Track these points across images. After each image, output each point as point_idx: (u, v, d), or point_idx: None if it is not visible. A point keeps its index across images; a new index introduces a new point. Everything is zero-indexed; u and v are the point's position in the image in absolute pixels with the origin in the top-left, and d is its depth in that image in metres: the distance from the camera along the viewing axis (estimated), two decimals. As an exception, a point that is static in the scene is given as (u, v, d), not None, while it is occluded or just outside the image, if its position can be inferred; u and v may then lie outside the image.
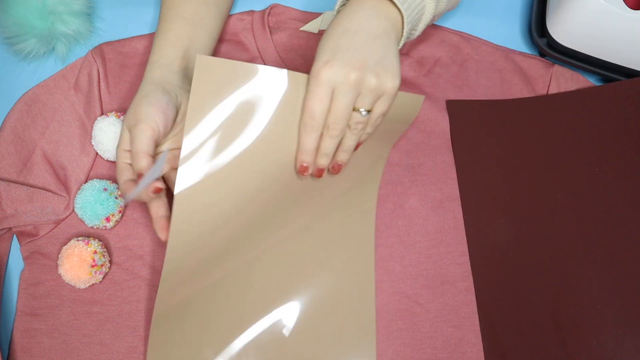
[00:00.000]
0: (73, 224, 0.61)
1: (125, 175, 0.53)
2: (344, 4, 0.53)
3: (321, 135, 0.51)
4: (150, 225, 0.62)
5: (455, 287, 0.61)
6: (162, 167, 0.52)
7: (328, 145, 0.51)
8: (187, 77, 0.58)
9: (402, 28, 0.51)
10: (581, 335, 0.58)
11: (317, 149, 0.52)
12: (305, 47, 0.70)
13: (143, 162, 0.50)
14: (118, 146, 0.54)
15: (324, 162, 0.53)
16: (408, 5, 0.50)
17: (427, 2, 0.53)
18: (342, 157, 0.53)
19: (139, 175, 0.50)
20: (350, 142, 0.52)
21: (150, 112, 0.52)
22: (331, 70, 0.47)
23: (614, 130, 0.66)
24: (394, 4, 0.50)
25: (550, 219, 0.63)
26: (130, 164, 0.53)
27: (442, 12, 0.58)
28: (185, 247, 0.52)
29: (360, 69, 0.47)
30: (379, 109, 0.50)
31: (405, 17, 0.50)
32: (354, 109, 0.50)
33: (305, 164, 0.52)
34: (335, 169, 0.54)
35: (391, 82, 0.49)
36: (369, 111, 0.50)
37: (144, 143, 0.51)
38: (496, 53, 0.70)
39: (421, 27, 0.55)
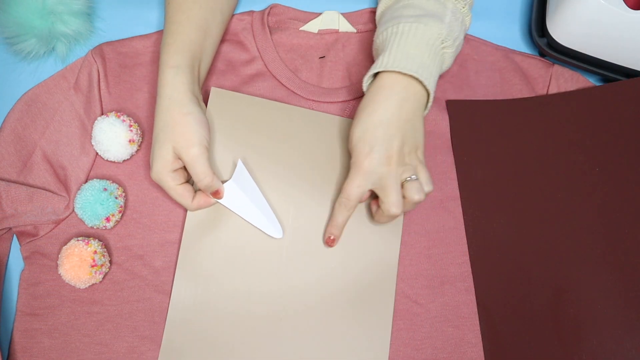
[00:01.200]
0: (73, 224, 0.62)
1: (188, 197, 0.56)
2: (371, 82, 0.58)
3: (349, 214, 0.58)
4: (151, 226, 0.62)
5: (455, 287, 0.61)
6: (246, 174, 0.59)
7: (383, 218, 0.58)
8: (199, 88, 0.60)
9: (427, 100, 0.58)
10: (581, 335, 0.58)
11: (344, 225, 0.59)
12: (306, 47, 0.70)
13: (217, 183, 0.57)
14: (162, 169, 0.55)
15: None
16: (432, 80, 0.56)
17: (447, 56, 0.59)
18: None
19: (216, 193, 0.57)
20: (407, 208, 0.57)
21: (201, 133, 0.55)
22: (372, 163, 0.55)
23: (614, 130, 0.66)
24: (421, 82, 0.56)
25: (550, 219, 0.63)
26: (182, 184, 0.56)
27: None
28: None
29: (394, 155, 0.55)
30: (423, 177, 0.57)
31: (430, 92, 0.56)
32: (404, 181, 0.56)
33: (332, 237, 0.59)
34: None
35: (417, 153, 0.57)
36: (412, 177, 0.56)
37: (206, 165, 0.55)
38: (496, 53, 0.70)
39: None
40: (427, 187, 0.57)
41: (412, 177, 0.56)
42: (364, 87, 0.58)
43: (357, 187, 0.56)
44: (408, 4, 0.61)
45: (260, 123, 0.62)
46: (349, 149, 0.57)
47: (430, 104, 0.58)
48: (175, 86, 0.55)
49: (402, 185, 0.56)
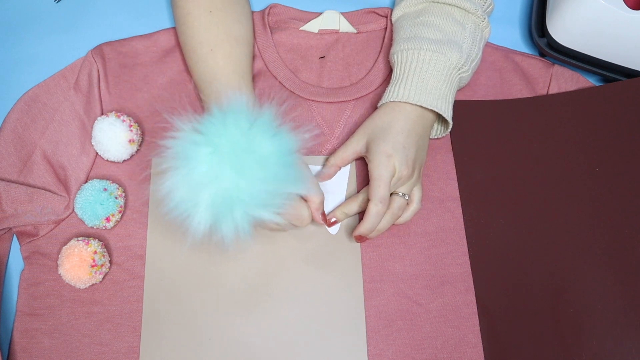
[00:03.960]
0: (73, 224, 0.61)
1: (304, 205, 0.57)
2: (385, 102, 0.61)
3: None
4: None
5: (455, 287, 0.61)
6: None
7: (352, 208, 0.61)
8: None
9: (440, 123, 0.64)
10: (581, 335, 0.58)
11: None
12: (306, 47, 0.70)
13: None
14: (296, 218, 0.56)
15: (341, 216, 0.61)
16: (450, 107, 0.61)
17: (463, 79, 0.63)
18: (374, 234, 0.60)
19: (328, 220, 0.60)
20: (387, 224, 0.59)
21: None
22: (392, 163, 0.57)
23: (614, 130, 0.66)
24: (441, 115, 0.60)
25: (550, 219, 0.63)
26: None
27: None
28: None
29: (410, 166, 0.58)
30: (417, 195, 0.60)
31: (449, 120, 0.60)
32: (394, 193, 0.59)
33: (366, 237, 0.59)
34: (359, 239, 0.60)
35: (420, 172, 0.60)
36: (405, 195, 0.59)
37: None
38: (496, 53, 0.70)
39: None
40: (418, 205, 0.61)
41: (404, 194, 0.59)
42: (379, 104, 0.62)
43: (386, 189, 0.57)
44: (427, 21, 0.62)
45: None
46: (367, 141, 0.60)
47: (450, 128, 0.62)
48: None
49: (391, 195, 0.59)
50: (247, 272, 0.61)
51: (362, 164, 0.65)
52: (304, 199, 0.57)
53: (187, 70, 0.66)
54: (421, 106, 0.59)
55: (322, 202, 0.58)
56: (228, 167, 0.50)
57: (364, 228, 0.57)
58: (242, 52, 0.62)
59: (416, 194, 0.60)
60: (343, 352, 0.58)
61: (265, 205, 0.51)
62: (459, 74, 0.61)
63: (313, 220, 0.58)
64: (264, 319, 0.59)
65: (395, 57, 0.63)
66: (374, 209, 0.56)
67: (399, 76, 0.62)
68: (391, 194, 0.59)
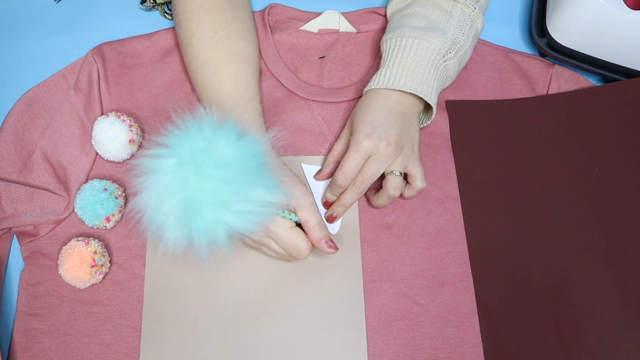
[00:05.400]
0: (73, 224, 0.61)
1: (303, 236, 0.55)
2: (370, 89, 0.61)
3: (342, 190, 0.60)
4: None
5: (455, 287, 0.61)
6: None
7: (348, 198, 0.60)
8: None
9: (428, 111, 0.63)
10: (581, 335, 0.58)
11: (338, 199, 0.61)
12: (306, 46, 0.70)
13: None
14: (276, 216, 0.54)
15: (340, 211, 0.61)
16: (433, 93, 0.59)
17: (450, 67, 0.61)
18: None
19: (332, 243, 0.56)
20: (384, 202, 0.60)
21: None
22: (371, 142, 0.57)
23: (614, 130, 0.66)
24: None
25: (550, 219, 0.63)
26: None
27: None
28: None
29: (393, 142, 0.57)
30: (417, 172, 0.60)
31: (433, 105, 0.59)
32: (387, 172, 0.59)
33: (335, 214, 0.61)
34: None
35: (414, 149, 0.60)
36: (401, 173, 0.59)
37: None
38: (496, 53, 0.70)
39: (448, 86, 0.65)
40: (421, 184, 0.60)
41: (397, 172, 0.58)
42: (365, 90, 0.61)
43: (355, 165, 0.58)
44: (414, 11, 0.63)
45: None
46: (351, 129, 0.60)
47: (434, 115, 0.61)
48: (274, 154, 0.58)
49: (384, 175, 0.59)
50: (247, 272, 0.61)
51: None
52: (301, 227, 0.56)
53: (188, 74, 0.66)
54: (400, 90, 0.58)
55: (320, 223, 0.55)
56: (191, 173, 0.49)
57: (337, 207, 0.60)
58: (249, 72, 0.61)
59: (415, 172, 0.59)
60: (343, 352, 0.58)
61: (236, 210, 0.49)
62: (445, 61, 0.60)
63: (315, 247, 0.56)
64: (264, 318, 0.59)
65: (382, 47, 0.63)
66: (348, 193, 0.59)
67: (382, 64, 0.62)
68: (383, 173, 0.59)
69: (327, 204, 0.62)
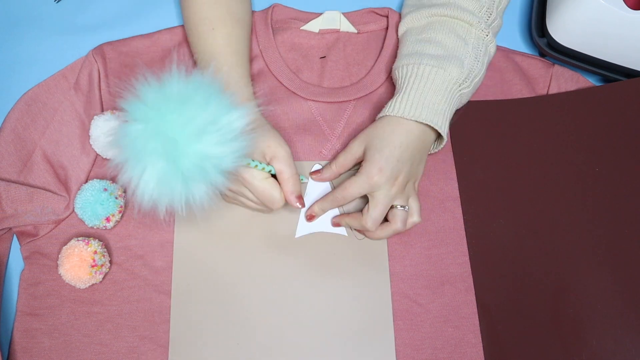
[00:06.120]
0: (73, 224, 0.61)
1: (277, 186, 0.56)
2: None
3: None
4: (151, 225, 0.62)
5: (455, 287, 0.61)
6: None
7: (354, 225, 0.61)
8: None
9: (439, 138, 0.62)
10: (581, 335, 0.58)
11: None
12: (307, 46, 0.70)
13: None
14: (256, 187, 0.55)
15: (320, 212, 0.62)
16: (446, 123, 0.59)
17: (464, 96, 0.62)
18: (370, 234, 0.61)
19: (300, 198, 0.57)
20: (385, 234, 0.60)
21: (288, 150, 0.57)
22: (382, 179, 0.57)
23: (614, 130, 0.66)
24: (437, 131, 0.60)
25: (550, 219, 0.63)
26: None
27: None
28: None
29: (400, 180, 0.58)
30: (414, 207, 0.60)
31: (444, 136, 0.59)
32: (393, 206, 0.59)
33: (314, 214, 0.61)
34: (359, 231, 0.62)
35: (415, 184, 0.61)
36: (402, 206, 0.59)
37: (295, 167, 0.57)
38: (496, 53, 0.70)
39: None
40: (416, 218, 0.60)
41: (402, 206, 0.59)
42: (378, 117, 0.61)
43: (358, 193, 0.58)
44: (430, 38, 0.62)
45: None
46: (365, 147, 0.59)
47: (444, 144, 0.62)
48: (256, 112, 0.58)
49: (391, 209, 0.59)
50: (275, 273, 0.61)
51: None
52: (277, 178, 0.57)
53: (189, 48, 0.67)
54: (416, 121, 0.58)
55: (294, 176, 0.56)
56: (159, 121, 0.48)
57: (314, 207, 0.61)
58: (241, 34, 0.63)
59: (413, 207, 0.60)
60: (371, 354, 0.59)
61: (215, 141, 0.49)
62: (460, 90, 0.60)
63: (287, 202, 0.57)
64: (293, 320, 0.59)
65: (397, 72, 0.63)
66: (331, 195, 0.60)
67: (399, 90, 0.61)
68: (391, 207, 0.59)
69: (311, 217, 0.62)
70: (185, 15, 0.64)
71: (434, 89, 0.59)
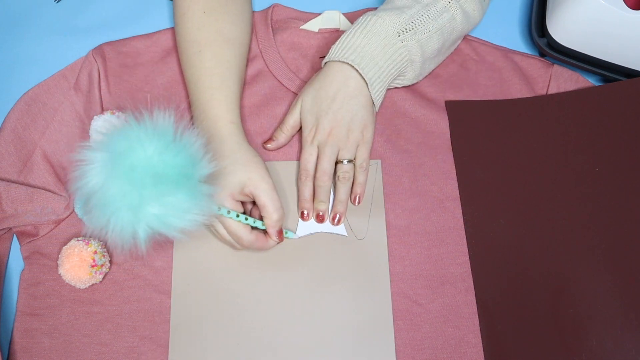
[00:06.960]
0: (73, 224, 0.61)
1: (246, 228, 0.57)
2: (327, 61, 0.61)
3: (314, 186, 0.61)
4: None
5: (455, 287, 0.61)
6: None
7: (320, 192, 0.61)
8: None
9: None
10: (581, 335, 0.58)
11: (314, 197, 0.62)
12: (307, 46, 0.70)
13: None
14: (227, 196, 0.55)
15: (321, 207, 0.61)
16: (376, 69, 0.59)
17: (411, 47, 0.60)
18: (338, 207, 0.62)
19: (280, 233, 0.58)
20: (342, 192, 0.61)
21: (269, 174, 0.57)
22: (316, 135, 0.59)
23: (614, 130, 0.66)
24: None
25: (549, 219, 0.63)
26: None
27: (441, 54, 0.64)
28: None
29: (336, 127, 0.59)
30: (359, 155, 0.61)
31: (366, 79, 0.59)
32: (338, 161, 0.60)
33: (305, 211, 0.62)
34: (334, 219, 0.62)
35: (363, 133, 0.60)
36: (350, 160, 0.60)
37: (279, 199, 0.57)
38: (495, 53, 0.70)
39: (413, 75, 0.63)
40: (360, 168, 0.61)
41: (345, 161, 0.60)
42: (322, 63, 0.62)
43: (311, 158, 0.60)
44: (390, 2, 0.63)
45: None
46: (300, 120, 0.62)
47: (382, 95, 0.61)
48: (239, 137, 0.58)
49: (336, 164, 0.61)
50: (275, 273, 0.61)
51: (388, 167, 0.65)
52: (263, 213, 0.57)
53: None
54: (339, 61, 0.59)
55: (277, 210, 0.56)
56: (112, 173, 0.48)
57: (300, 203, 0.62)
58: (232, 54, 0.61)
59: (358, 156, 0.61)
60: (371, 354, 0.58)
61: (152, 212, 0.49)
62: (401, 41, 0.59)
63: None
64: (293, 320, 0.59)
65: None
66: (299, 181, 0.62)
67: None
68: (336, 163, 0.61)
69: (304, 215, 0.62)
70: (177, 41, 0.64)
71: (364, 35, 0.59)
